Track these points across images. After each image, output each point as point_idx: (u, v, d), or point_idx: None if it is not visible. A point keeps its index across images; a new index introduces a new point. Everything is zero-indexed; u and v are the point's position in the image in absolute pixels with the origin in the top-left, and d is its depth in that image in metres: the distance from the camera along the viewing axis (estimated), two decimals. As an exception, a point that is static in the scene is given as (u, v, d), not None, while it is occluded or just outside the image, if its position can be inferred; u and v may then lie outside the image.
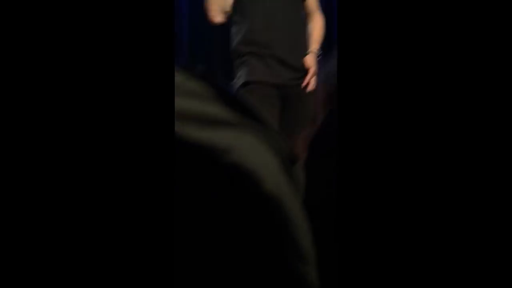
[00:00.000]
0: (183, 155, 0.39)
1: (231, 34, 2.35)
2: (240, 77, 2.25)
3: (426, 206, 0.42)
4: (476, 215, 0.41)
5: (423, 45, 0.44)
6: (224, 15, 2.28)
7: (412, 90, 0.44)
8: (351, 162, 0.44)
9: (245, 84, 2.21)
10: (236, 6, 2.29)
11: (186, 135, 0.38)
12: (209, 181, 0.39)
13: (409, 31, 0.44)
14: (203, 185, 0.39)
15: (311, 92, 2.22)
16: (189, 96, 0.40)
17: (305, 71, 2.23)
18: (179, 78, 0.40)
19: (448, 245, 0.41)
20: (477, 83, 0.43)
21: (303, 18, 2.35)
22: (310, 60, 2.25)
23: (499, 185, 0.41)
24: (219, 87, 0.42)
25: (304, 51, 2.29)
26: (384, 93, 0.44)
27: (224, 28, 2.44)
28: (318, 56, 2.28)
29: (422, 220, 0.42)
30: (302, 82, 2.22)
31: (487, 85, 0.43)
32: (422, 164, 0.42)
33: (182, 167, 0.39)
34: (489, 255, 0.40)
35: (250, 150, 0.40)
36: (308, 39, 2.34)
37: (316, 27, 2.35)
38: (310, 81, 2.22)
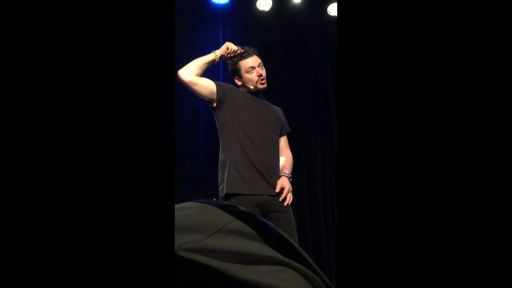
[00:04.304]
0: None
1: (221, 143, 2.67)
2: (221, 189, 2.58)
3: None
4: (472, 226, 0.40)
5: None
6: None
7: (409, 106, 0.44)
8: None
9: (227, 196, 2.53)
10: (223, 110, 2.60)
11: (232, 274, 0.41)
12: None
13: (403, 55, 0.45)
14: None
15: (288, 205, 2.59)
16: (235, 236, 0.43)
17: (280, 189, 2.59)
18: (225, 220, 0.43)
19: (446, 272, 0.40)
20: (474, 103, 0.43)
21: (278, 150, 2.79)
22: (284, 180, 2.64)
23: (498, 189, 0.41)
24: (261, 226, 0.45)
25: (277, 174, 2.68)
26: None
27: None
28: (289, 178, 2.68)
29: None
30: (278, 197, 2.56)
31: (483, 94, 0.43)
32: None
33: None
34: (489, 256, 0.40)
35: (290, 286, 0.43)
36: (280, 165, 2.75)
37: (287, 159, 2.83)
38: (287, 197, 2.57)
